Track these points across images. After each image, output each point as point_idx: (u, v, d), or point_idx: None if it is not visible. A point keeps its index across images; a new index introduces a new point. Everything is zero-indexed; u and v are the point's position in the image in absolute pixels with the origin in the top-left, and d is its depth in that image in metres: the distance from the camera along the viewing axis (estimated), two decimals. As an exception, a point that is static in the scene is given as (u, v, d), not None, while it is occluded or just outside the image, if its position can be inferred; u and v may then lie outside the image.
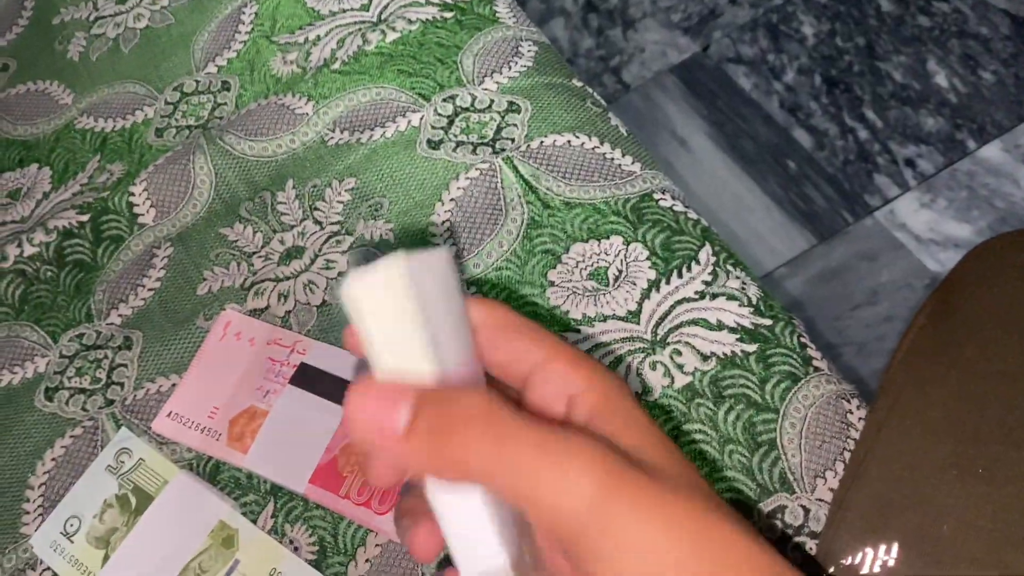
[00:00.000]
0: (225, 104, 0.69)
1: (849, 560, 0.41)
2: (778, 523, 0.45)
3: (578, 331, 0.52)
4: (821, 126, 1.25)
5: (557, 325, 0.53)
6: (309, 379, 0.54)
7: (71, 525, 0.54)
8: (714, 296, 0.52)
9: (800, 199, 1.20)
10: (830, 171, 1.22)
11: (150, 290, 0.62)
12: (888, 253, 1.14)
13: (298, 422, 0.53)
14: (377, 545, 0.50)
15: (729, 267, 0.54)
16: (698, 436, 0.48)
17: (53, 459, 0.57)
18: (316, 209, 0.61)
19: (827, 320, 1.10)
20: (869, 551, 0.40)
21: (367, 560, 0.49)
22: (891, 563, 0.40)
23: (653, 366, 0.50)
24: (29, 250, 0.65)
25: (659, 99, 1.32)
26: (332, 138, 0.64)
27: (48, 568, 0.53)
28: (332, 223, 0.60)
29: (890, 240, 1.15)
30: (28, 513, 0.56)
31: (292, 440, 0.53)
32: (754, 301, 0.52)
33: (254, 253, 0.61)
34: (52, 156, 0.71)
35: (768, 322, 0.51)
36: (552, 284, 0.54)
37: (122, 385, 0.58)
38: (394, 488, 0.49)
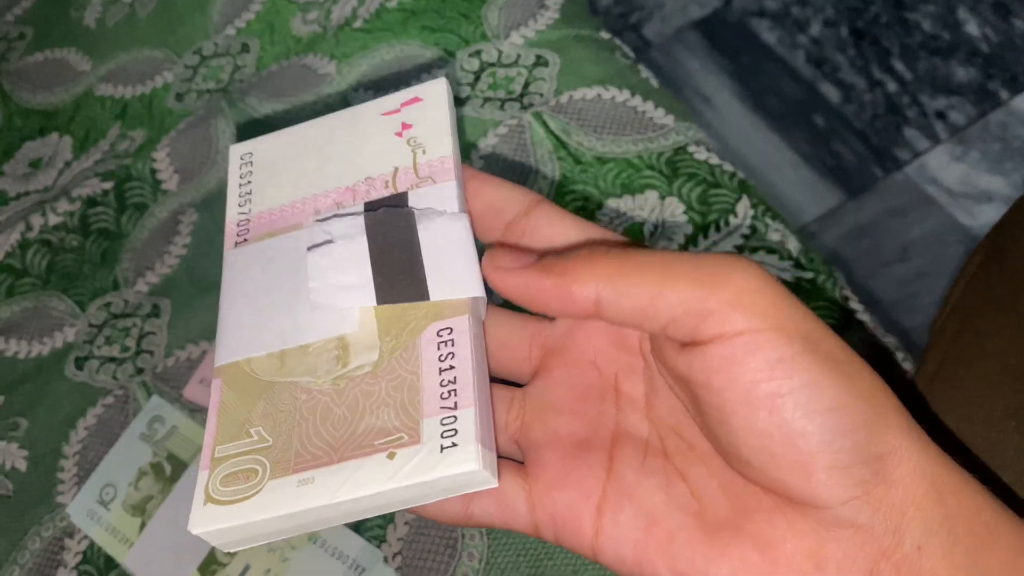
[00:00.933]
0: (245, 67, 0.68)
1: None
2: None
3: (614, 288, 0.51)
4: (848, 80, 1.22)
5: (592, 283, 0.52)
6: (341, 343, 0.53)
7: (107, 493, 0.54)
8: (754, 250, 0.51)
9: (828, 155, 1.18)
10: (858, 125, 1.19)
11: (176, 257, 0.61)
12: (919, 208, 1.12)
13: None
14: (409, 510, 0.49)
15: (768, 220, 0.52)
16: (740, 392, 0.47)
17: (86, 428, 0.57)
18: (342, 171, 0.60)
19: (858, 278, 1.08)
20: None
21: (406, 522, 0.49)
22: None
23: (692, 322, 0.49)
24: (53, 219, 0.65)
25: (681, 56, 1.29)
26: (356, 97, 0.62)
27: (86, 536, 0.53)
28: (359, 185, 0.59)
29: (921, 195, 1.12)
30: (63, 482, 0.56)
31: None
32: (794, 254, 0.51)
33: (280, 217, 0.60)
34: (72, 124, 0.70)
35: (809, 275, 0.50)
36: (586, 241, 0.53)
37: (152, 353, 0.58)
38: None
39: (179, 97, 0.68)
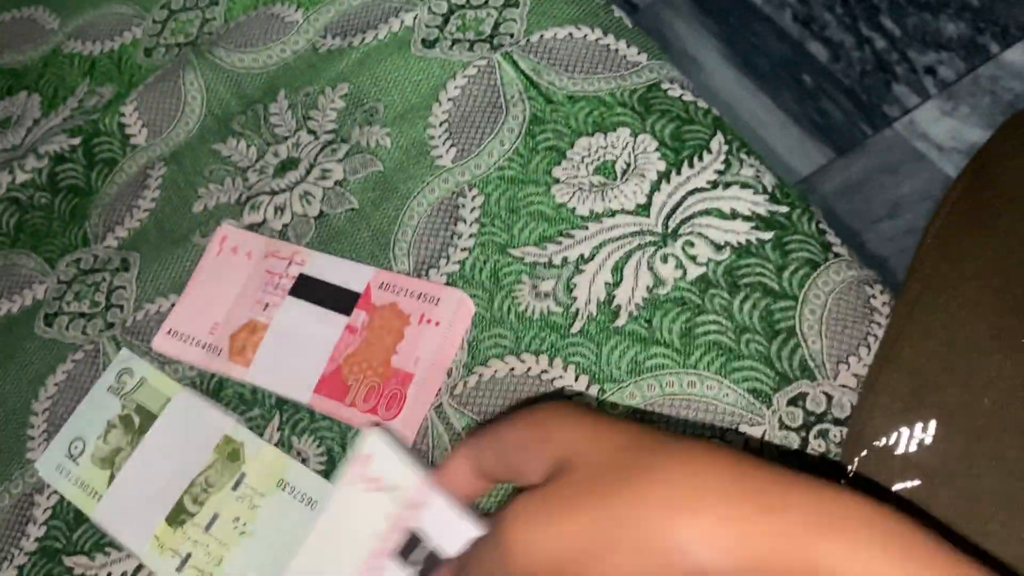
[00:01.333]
0: (214, 19, 0.66)
1: (883, 441, 0.39)
2: (799, 410, 0.43)
3: (586, 227, 0.50)
4: (836, 37, 1.21)
5: (564, 223, 0.51)
6: (309, 290, 0.53)
7: (75, 447, 0.53)
8: (727, 185, 0.50)
9: (817, 113, 1.16)
10: (847, 83, 1.18)
11: (145, 211, 0.60)
12: (909, 164, 1.10)
13: (300, 333, 0.51)
14: (385, 452, 0.48)
15: (743, 155, 0.51)
16: (712, 327, 0.46)
17: (55, 384, 0.56)
18: (309, 118, 0.59)
19: (848, 235, 1.07)
20: (904, 431, 0.38)
21: (376, 468, 0.48)
22: (928, 440, 0.38)
23: (665, 259, 0.48)
24: (22, 177, 0.64)
25: (668, 18, 1.27)
26: (324, 44, 0.61)
27: (55, 492, 0.52)
28: (327, 132, 0.58)
29: (911, 151, 1.11)
30: (33, 439, 0.55)
31: (295, 352, 0.51)
32: (769, 188, 0.50)
33: (248, 167, 0.59)
34: (41, 82, 0.69)
35: (784, 209, 0.49)
36: (557, 181, 0.52)
37: (121, 307, 0.57)
38: (401, 393, 0.48)
39: (148, 52, 0.67)
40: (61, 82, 0.68)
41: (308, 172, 0.57)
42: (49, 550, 0.51)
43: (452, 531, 0.34)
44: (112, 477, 0.51)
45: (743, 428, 0.43)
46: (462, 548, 0.33)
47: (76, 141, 0.64)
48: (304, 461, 0.49)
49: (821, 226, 0.49)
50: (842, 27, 1.21)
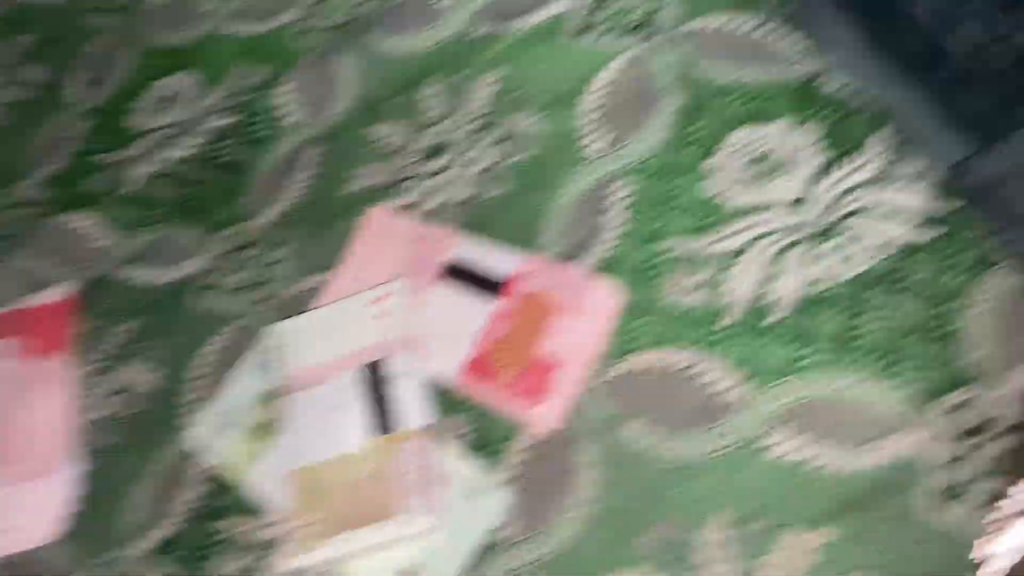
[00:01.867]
0: (366, 4, 0.68)
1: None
2: (959, 418, 0.42)
3: (738, 221, 0.50)
4: (975, 31, 1.16)
5: (715, 215, 0.50)
6: (459, 274, 0.54)
7: (228, 416, 0.55)
8: (889, 182, 0.49)
9: (955, 108, 1.12)
10: (987, 78, 1.12)
11: (299, 190, 0.62)
12: (1055, 164, 1.05)
13: (450, 317, 0.53)
14: (528, 437, 0.49)
15: (904, 153, 0.50)
16: (870, 328, 0.45)
17: (207, 354, 0.58)
18: (460, 105, 0.60)
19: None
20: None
21: (522, 449, 0.49)
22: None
23: (822, 256, 0.47)
24: (181, 153, 0.67)
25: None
26: (475, 31, 0.62)
27: (206, 457, 0.55)
28: (477, 118, 0.59)
29: (1057, 150, 1.06)
30: (187, 405, 0.57)
31: (445, 334, 0.52)
32: (932, 187, 0.48)
33: (399, 151, 0.60)
34: (199, 62, 0.72)
35: (948, 209, 0.48)
36: (709, 172, 0.52)
37: (275, 283, 0.59)
38: (546, 380, 0.48)
39: (302, 35, 0.69)
40: (218, 62, 0.71)
41: (458, 157, 0.58)
42: (201, 512, 0.54)
43: (407, 382, 0.50)
44: (264, 448, 0.53)
45: (894, 436, 0.42)
46: (409, 399, 0.50)
47: (233, 120, 0.66)
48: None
49: (978, 230, 0.47)
50: (981, 21, 1.16)
